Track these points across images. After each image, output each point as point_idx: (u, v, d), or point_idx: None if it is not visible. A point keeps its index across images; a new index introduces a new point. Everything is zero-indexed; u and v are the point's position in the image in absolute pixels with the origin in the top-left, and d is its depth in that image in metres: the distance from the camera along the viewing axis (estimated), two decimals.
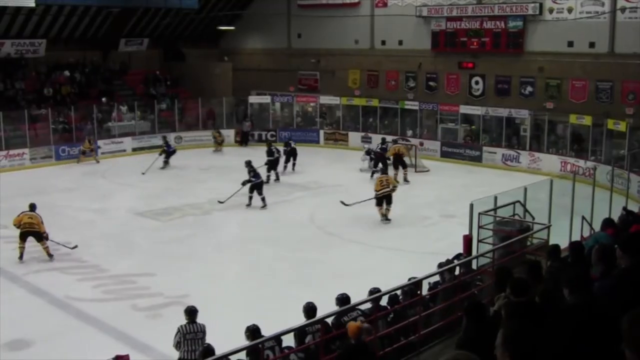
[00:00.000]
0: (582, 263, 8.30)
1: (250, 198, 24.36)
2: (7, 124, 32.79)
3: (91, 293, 16.44)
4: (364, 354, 8.92)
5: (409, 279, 11.32)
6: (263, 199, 24.37)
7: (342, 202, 23.13)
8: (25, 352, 13.29)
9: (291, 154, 31.29)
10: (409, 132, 35.78)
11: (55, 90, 36.90)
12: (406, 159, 29.41)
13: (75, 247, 19.32)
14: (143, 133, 37.00)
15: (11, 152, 32.04)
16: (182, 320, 11.29)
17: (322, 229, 22.08)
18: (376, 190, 22.83)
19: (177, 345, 11.07)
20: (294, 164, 31.10)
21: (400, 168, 28.40)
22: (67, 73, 38.04)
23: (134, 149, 35.92)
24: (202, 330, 11.14)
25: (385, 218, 22.52)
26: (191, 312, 11.35)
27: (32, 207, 19.54)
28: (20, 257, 18.75)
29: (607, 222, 11.53)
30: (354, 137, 36.95)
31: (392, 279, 11.89)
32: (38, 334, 14.00)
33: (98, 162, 32.99)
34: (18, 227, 19.00)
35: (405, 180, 28.11)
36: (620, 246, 6.64)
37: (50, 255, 18.87)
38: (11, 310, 15.21)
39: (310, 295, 11.31)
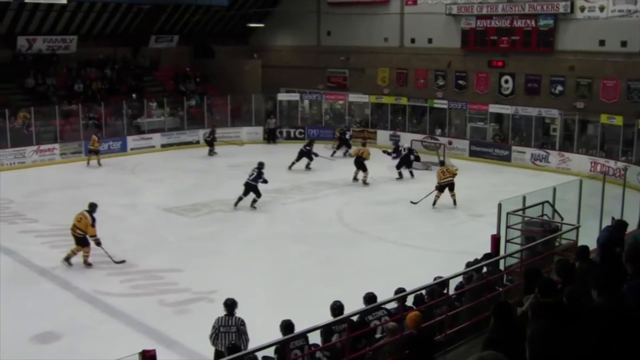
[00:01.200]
0: (611, 264, 8.22)
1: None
2: (38, 119, 33.14)
3: (119, 288, 16.55)
4: (427, 342, 8.93)
5: (435, 279, 11.27)
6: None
7: (412, 202, 24.18)
8: (54, 345, 13.40)
9: (343, 143, 33.96)
10: (438, 131, 35.64)
11: (86, 86, 37.21)
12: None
13: (123, 262, 18.14)
14: (172, 129, 37.19)
15: (42, 147, 32.31)
16: (210, 315, 11.35)
17: (349, 226, 22.08)
18: (439, 181, 24.27)
19: (212, 338, 11.07)
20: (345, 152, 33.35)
21: (361, 171, 28.04)
22: (95, 70, 38.36)
23: (163, 145, 36.09)
24: (236, 324, 11.08)
25: (454, 203, 24.23)
26: (228, 305, 11.34)
27: (91, 206, 18.49)
28: (68, 259, 18.00)
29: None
30: (383, 135, 36.88)
31: (418, 278, 11.85)
32: (66, 327, 14.12)
33: (100, 165, 31.63)
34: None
35: (365, 182, 27.81)
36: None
37: (87, 264, 17.97)
38: (40, 303, 15.38)
39: (337, 293, 11.31)
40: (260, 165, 24.15)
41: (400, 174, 28.58)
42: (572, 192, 17.25)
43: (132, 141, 35.22)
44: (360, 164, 27.91)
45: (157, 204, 24.60)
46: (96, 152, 31.56)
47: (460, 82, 36.08)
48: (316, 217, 23.03)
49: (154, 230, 21.44)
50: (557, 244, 14.78)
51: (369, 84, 39.30)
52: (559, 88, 32.34)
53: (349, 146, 33.85)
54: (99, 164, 31.44)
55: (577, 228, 14.56)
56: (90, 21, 37.61)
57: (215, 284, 16.41)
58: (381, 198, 25.20)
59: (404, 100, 37.28)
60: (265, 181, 23.97)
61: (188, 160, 32.65)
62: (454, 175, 24.52)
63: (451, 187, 24.27)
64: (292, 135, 38.73)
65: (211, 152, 34.24)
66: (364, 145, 29.58)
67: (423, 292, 11.17)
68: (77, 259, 18.08)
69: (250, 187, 23.92)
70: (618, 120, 29.21)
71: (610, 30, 29.96)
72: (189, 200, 24.84)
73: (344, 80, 41.31)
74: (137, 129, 36.41)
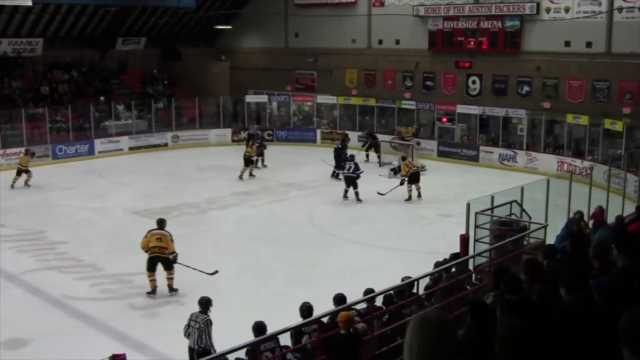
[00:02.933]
0: (580, 261, 8.28)
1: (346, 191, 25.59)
2: (4, 122, 32.86)
3: (88, 292, 16.45)
4: (355, 343, 8.99)
5: (403, 279, 11.33)
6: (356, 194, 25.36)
7: (379, 193, 24.93)
8: (22, 351, 13.28)
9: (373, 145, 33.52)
10: (404, 129, 35.78)
11: (52, 89, 36.89)
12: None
13: (216, 272, 16.61)
14: (140, 132, 36.97)
15: (8, 151, 31.98)
16: (180, 319, 11.35)
17: (320, 228, 22.10)
18: (406, 173, 25.30)
19: (185, 331, 11.72)
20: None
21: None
22: (62, 73, 38.06)
23: (131, 148, 35.87)
24: (199, 322, 11.53)
25: (418, 195, 25.09)
26: (201, 303, 11.92)
27: (161, 223, 16.62)
28: (153, 292, 16.25)
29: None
30: (351, 136, 36.93)
31: (389, 279, 11.89)
32: (35, 333, 14.00)
33: (29, 185, 27.69)
34: (146, 251, 16.35)
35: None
36: (617, 246, 6.64)
37: (173, 290, 16.34)
38: (8, 309, 15.19)
39: (308, 295, 11.33)
40: (352, 157, 25.88)
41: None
42: (540, 191, 17.43)
43: (99, 144, 34.94)
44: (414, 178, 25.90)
45: (125, 207, 24.45)
46: (26, 172, 27.75)
47: (428, 83, 36.24)
48: (286, 219, 23.02)
49: (123, 234, 21.22)
50: (525, 242, 14.91)
51: (337, 85, 39.36)
52: (526, 88, 32.60)
53: (377, 149, 33.27)
54: (27, 185, 27.59)
55: (545, 227, 14.71)
56: (57, 23, 37.30)
57: (185, 288, 16.37)
58: (350, 199, 25.22)
59: (372, 101, 37.40)
60: (360, 173, 25.27)
61: (156, 163, 32.48)
62: (422, 167, 24.92)
63: (416, 178, 25.25)
64: (262, 139, 38.64)
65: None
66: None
67: (392, 292, 11.21)
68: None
69: (351, 180, 25.18)
70: (584, 120, 29.52)
71: (575, 31, 30.25)
72: (158, 203, 24.71)
73: (312, 81, 41.34)
74: (104, 131, 36.15)
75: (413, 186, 25.39)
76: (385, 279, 11.99)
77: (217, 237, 20.99)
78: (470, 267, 13.61)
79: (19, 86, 36.07)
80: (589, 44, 30.16)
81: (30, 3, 32.65)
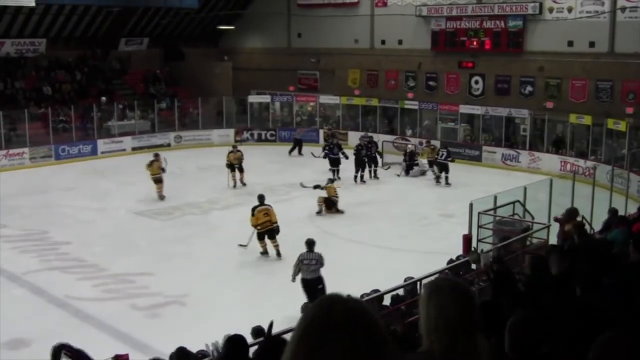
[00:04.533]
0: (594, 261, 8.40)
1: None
2: (6, 123, 32.88)
3: (90, 292, 16.46)
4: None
5: (405, 280, 11.34)
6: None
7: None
8: (25, 351, 13.28)
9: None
10: (409, 132, 35.81)
11: (55, 89, 36.93)
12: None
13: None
14: (143, 132, 37.01)
15: (11, 151, 32.05)
16: (182, 319, 11.31)
17: (322, 228, 22.04)
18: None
19: (296, 269, 14.98)
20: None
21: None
22: (65, 73, 38.12)
23: (134, 148, 35.90)
24: (316, 259, 15.01)
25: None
26: (308, 244, 15.32)
27: (262, 198, 19.19)
28: (266, 252, 18.95)
29: (620, 219, 11.68)
30: (354, 136, 36.92)
31: (391, 279, 11.90)
32: (37, 333, 13.98)
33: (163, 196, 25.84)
34: (256, 227, 18.72)
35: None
36: (634, 243, 6.87)
37: (279, 254, 18.81)
38: (10, 309, 15.21)
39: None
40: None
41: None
42: (543, 191, 17.44)
43: (102, 144, 34.98)
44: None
45: (128, 207, 24.48)
46: (159, 181, 25.86)
47: (431, 83, 36.23)
48: (288, 219, 22.92)
49: (125, 234, 21.32)
50: (528, 243, 14.91)
51: (340, 86, 39.35)
52: (529, 88, 32.57)
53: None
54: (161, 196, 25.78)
55: (548, 227, 14.72)
56: (59, 24, 37.34)
57: (187, 288, 16.42)
58: (351, 200, 25.19)
59: (374, 102, 37.39)
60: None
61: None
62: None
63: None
64: (263, 137, 38.68)
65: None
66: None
67: (400, 291, 11.23)
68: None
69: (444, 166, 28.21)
70: (587, 120, 29.48)
71: (578, 31, 30.22)
72: (160, 204, 24.75)
73: (315, 82, 41.35)
74: (107, 132, 36.20)
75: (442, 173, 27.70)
76: (388, 279, 12.00)
77: (218, 238, 20.93)
78: (473, 267, 13.59)
79: (22, 86, 36.12)
80: (592, 44, 30.13)
81: (33, 3, 32.68)
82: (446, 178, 28.37)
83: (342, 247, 20.11)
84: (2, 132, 32.44)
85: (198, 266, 18.30)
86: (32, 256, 18.98)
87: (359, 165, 28.49)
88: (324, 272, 15.14)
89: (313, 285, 14.72)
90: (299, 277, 15.15)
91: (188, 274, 17.54)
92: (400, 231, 21.60)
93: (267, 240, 18.96)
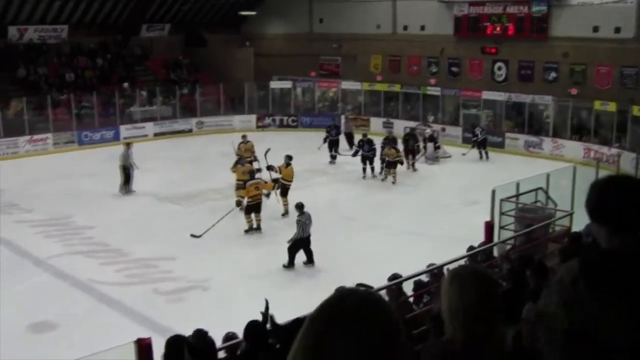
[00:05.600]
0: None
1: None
2: (30, 109, 33.16)
3: (114, 276, 16.66)
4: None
5: (428, 266, 11.37)
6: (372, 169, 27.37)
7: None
8: (49, 334, 13.51)
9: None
10: (431, 118, 35.72)
11: (77, 75, 37.15)
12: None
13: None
14: (164, 118, 37.19)
15: (35, 137, 32.34)
16: (204, 303, 11.41)
17: (343, 214, 22.14)
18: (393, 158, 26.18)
19: (302, 230, 17.20)
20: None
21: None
22: (87, 59, 38.34)
23: (156, 134, 36.10)
24: (309, 217, 17.59)
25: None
26: (301, 206, 17.79)
27: (253, 173, 21.26)
28: (251, 228, 20.36)
29: None
30: (376, 122, 36.95)
31: (412, 266, 11.93)
32: (61, 316, 14.21)
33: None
34: (247, 200, 20.43)
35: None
36: None
37: (260, 228, 20.42)
38: (35, 293, 15.47)
39: (330, 281, 11.38)
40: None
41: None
42: (566, 178, 17.36)
43: (124, 130, 35.13)
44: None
45: (150, 193, 24.63)
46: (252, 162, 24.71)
47: (454, 69, 36.12)
48: (309, 205, 22.98)
49: (148, 219, 21.51)
50: (550, 230, 14.90)
51: (362, 71, 39.30)
52: (553, 74, 32.39)
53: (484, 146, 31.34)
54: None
55: (571, 214, 14.67)
56: (81, 10, 37.46)
57: (209, 273, 16.58)
58: (373, 186, 25.23)
59: (397, 87, 37.36)
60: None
61: (181, 149, 32.60)
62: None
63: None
64: (284, 122, 38.79)
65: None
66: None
67: (423, 277, 11.26)
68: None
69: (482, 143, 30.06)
70: (611, 107, 29.28)
71: (604, 16, 29.93)
72: (182, 189, 24.89)
73: (337, 67, 41.30)
74: (129, 118, 36.42)
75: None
76: (409, 266, 12.03)
77: (240, 223, 20.97)
78: (495, 254, 13.61)
79: (45, 73, 36.35)
80: (617, 30, 29.85)
81: None
82: (486, 153, 30.64)
83: (364, 233, 20.18)
84: (26, 118, 32.76)
85: (220, 251, 18.44)
86: (56, 241, 19.20)
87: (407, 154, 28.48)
88: (345, 257, 15.21)
89: (309, 241, 17.39)
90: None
91: (211, 259, 17.69)
92: (422, 218, 21.62)
93: (253, 215, 20.26)
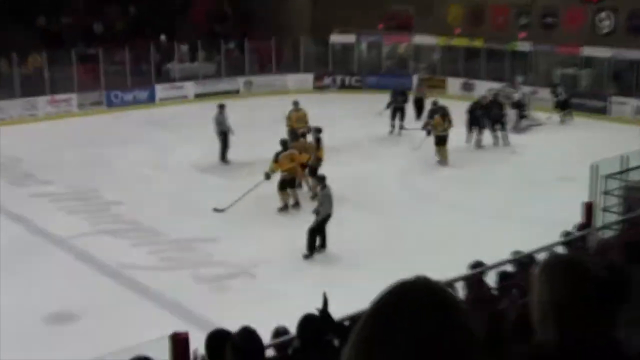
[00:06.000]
0: None
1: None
2: (51, 64, 33.35)
3: (146, 260, 16.75)
4: None
5: (512, 253, 11.18)
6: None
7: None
8: (71, 327, 13.63)
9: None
10: (520, 79, 35.10)
11: (107, 27, 37.36)
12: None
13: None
14: (207, 77, 37.34)
15: (57, 97, 32.69)
16: (251, 293, 11.44)
17: (417, 191, 22.04)
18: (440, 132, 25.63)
19: (329, 206, 17.23)
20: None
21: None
22: (118, 8, 38.53)
23: (197, 95, 36.25)
24: (330, 192, 17.51)
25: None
26: (323, 178, 18.01)
27: (285, 143, 21.45)
28: (285, 207, 20.47)
29: None
30: (454, 84, 36.58)
31: (498, 253, 11.75)
32: (86, 306, 14.30)
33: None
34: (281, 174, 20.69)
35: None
36: None
37: (298, 204, 20.73)
38: (56, 278, 15.58)
39: (399, 268, 11.25)
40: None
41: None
42: None
43: (160, 90, 35.41)
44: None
45: (190, 163, 24.78)
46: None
47: (548, 20, 35.52)
48: (377, 181, 22.92)
49: (187, 194, 21.52)
50: None
51: (438, 24, 38.73)
52: None
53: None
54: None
55: None
56: None
57: (257, 257, 16.53)
58: (453, 160, 24.97)
59: (478, 43, 36.89)
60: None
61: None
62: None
63: (443, 140, 25.22)
64: (346, 83, 38.63)
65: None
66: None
67: (509, 267, 11.08)
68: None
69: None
70: None
71: None
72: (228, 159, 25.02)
73: (408, 19, 40.81)
74: (166, 76, 36.59)
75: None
76: (492, 254, 11.86)
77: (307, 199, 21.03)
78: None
79: (69, 22, 36.60)
80: None
81: None
82: (570, 112, 30.98)
83: (441, 213, 19.99)
84: (47, 75, 33.07)
85: (270, 232, 18.35)
86: (81, 218, 19.37)
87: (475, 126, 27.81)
88: (417, 242, 15.07)
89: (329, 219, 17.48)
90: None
91: (259, 241, 17.61)
92: (510, 197, 21.29)
93: (289, 191, 20.52)
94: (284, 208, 20.21)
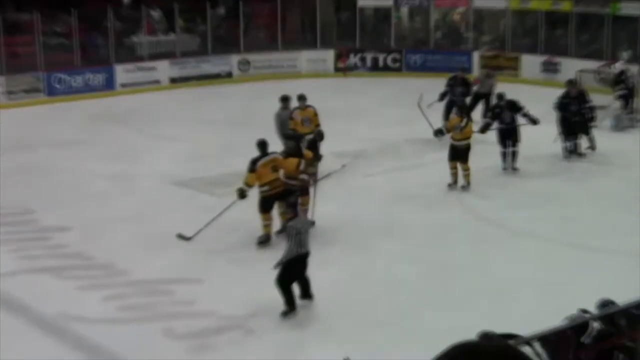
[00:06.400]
0: None
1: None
2: None
3: (101, 309, 16.57)
4: None
5: (601, 306, 11.10)
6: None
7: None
8: None
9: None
10: (624, 55, 35.10)
11: None
12: None
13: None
14: (188, 55, 37.49)
15: None
16: (247, 354, 11.27)
17: (475, 211, 21.94)
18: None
19: (296, 244, 16.17)
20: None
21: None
22: None
23: (174, 80, 36.37)
24: (307, 225, 17.01)
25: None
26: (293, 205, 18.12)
27: (264, 145, 20.27)
28: (267, 238, 19.73)
29: None
30: (530, 62, 36.50)
31: (585, 299, 11.67)
32: None
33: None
34: (261, 189, 19.92)
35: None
36: None
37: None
38: None
39: (454, 321, 11.14)
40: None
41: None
42: None
43: (122, 73, 35.58)
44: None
45: (164, 174, 24.70)
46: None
47: None
48: (420, 197, 22.87)
49: (159, 217, 21.45)
50: None
51: None
52: None
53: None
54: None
55: None
56: None
57: (256, 303, 16.37)
58: (526, 167, 24.80)
59: (566, 6, 36.90)
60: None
61: (214, 105, 32.67)
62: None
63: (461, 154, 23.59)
64: (380, 63, 38.66)
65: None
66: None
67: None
68: None
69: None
70: None
71: None
72: (215, 169, 24.85)
73: None
74: (130, 53, 36.62)
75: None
76: (580, 299, 11.79)
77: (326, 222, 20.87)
78: None
79: None
80: None
81: None
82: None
83: (510, 244, 19.86)
84: None
85: (272, 266, 18.17)
86: (8, 250, 19.22)
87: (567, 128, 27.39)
88: (484, 283, 14.96)
89: (305, 262, 16.48)
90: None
91: (258, 281, 17.44)
92: (608, 220, 21.18)
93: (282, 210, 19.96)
94: (264, 240, 19.59)
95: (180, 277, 17.80)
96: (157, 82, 35.89)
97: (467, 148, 23.62)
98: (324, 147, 23.74)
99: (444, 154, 25.08)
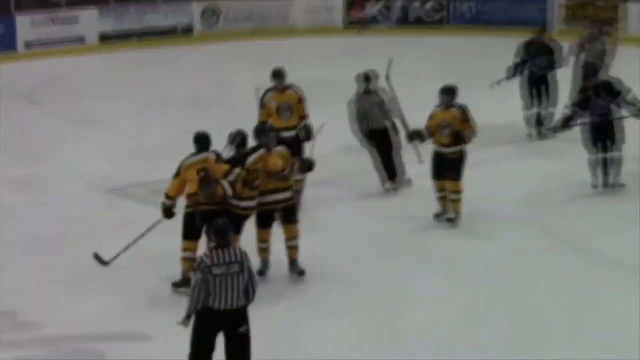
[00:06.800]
0: None
1: None
2: None
3: None
4: None
5: None
6: None
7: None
8: None
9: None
10: None
11: None
12: None
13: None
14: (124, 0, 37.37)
15: None
16: None
17: (558, 238, 21.94)
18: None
19: (195, 298, 14.20)
20: None
21: None
22: None
23: (104, 38, 36.28)
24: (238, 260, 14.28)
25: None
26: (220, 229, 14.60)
27: (203, 140, 19.65)
28: (187, 282, 18.25)
29: None
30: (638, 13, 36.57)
31: None
32: None
33: None
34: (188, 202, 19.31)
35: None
36: None
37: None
38: None
39: None
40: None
41: None
42: None
43: (28, 27, 35.44)
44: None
45: (91, 178, 24.95)
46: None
47: None
48: (490, 212, 23.20)
49: (84, 241, 21.21)
50: None
51: None
52: None
53: None
54: None
55: None
56: None
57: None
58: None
59: None
60: None
61: (165, 74, 32.68)
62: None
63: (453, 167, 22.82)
64: (411, 14, 38.95)
65: None
66: None
67: None
68: None
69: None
70: None
71: None
72: (165, 171, 24.67)
73: None
74: None
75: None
76: None
77: (313, 248, 20.34)
78: None
79: None
80: None
81: None
82: None
83: (617, 285, 19.67)
84: None
85: (260, 317, 17.99)
86: None
87: None
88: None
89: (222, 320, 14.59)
90: None
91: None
92: None
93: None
94: (181, 283, 18.90)
95: (118, 330, 17.68)
96: (80, 40, 36.00)
97: (460, 159, 22.83)
98: (324, 147, 23.46)
99: (513, 148, 25.11)
